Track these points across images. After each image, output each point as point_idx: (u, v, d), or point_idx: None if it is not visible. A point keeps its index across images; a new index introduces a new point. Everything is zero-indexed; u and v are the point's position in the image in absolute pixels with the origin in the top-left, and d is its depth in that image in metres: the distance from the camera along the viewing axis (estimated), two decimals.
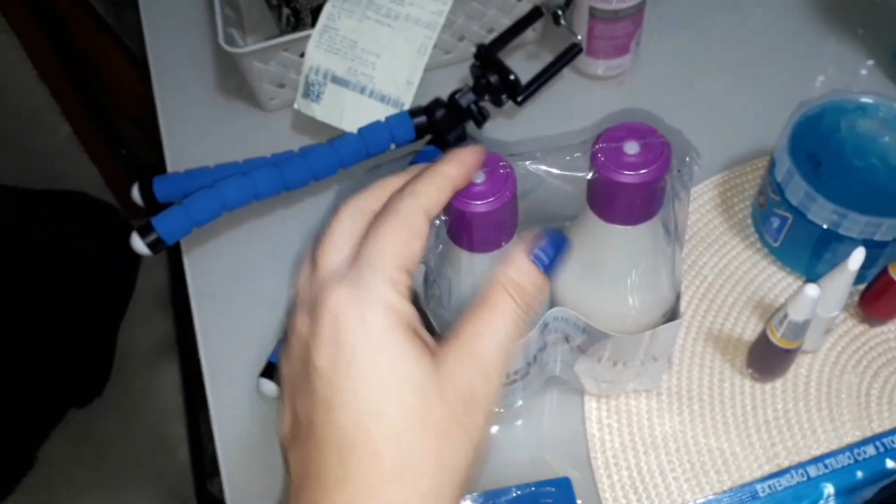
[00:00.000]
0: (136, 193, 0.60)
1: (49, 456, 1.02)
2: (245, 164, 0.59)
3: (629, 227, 0.34)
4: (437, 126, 0.59)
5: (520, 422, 0.48)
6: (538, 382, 0.46)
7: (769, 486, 0.43)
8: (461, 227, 0.34)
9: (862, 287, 0.49)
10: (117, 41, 1.03)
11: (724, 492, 0.43)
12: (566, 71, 0.63)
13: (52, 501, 0.99)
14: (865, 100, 0.49)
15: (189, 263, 0.58)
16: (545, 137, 0.61)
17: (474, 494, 0.44)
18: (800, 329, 0.41)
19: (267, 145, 0.60)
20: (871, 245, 0.45)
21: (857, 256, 0.40)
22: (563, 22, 0.60)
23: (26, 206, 1.07)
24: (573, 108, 0.63)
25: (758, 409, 0.46)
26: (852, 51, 0.64)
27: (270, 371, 0.50)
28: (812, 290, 0.39)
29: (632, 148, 0.32)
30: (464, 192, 0.32)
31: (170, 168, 0.64)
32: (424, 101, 0.59)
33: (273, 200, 0.59)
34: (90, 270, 1.09)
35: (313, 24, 0.60)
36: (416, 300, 0.30)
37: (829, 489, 0.42)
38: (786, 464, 0.44)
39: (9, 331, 1.04)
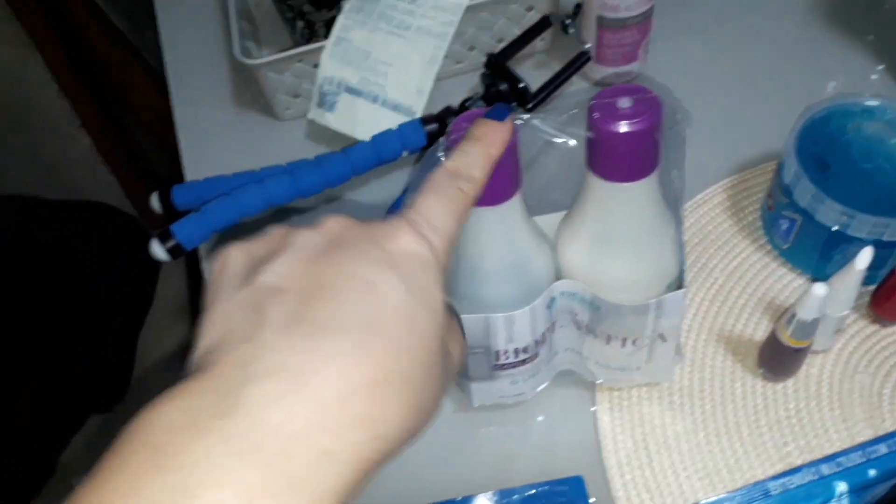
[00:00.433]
0: (154, 201, 0.61)
1: (70, 462, 1.04)
2: (261, 173, 0.60)
3: (628, 185, 0.36)
4: None
5: (532, 421, 0.48)
6: (548, 371, 0.47)
7: (781, 485, 0.43)
8: None
9: (873, 288, 0.49)
10: (137, 56, 1.05)
11: (737, 490, 0.44)
12: (575, 79, 0.64)
13: None
14: (872, 102, 0.49)
15: (208, 269, 0.59)
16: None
17: (488, 493, 0.45)
18: (809, 328, 0.42)
19: (282, 154, 0.61)
20: (880, 246, 0.45)
21: (865, 255, 0.40)
22: (571, 31, 0.62)
23: (48, 216, 1.09)
24: (583, 115, 0.64)
25: (769, 408, 0.47)
26: (862, 56, 0.65)
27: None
28: (820, 289, 0.39)
29: (624, 102, 0.34)
30: None
31: (187, 177, 0.65)
32: (436, 110, 0.60)
33: (289, 207, 0.60)
34: (109, 279, 1.11)
35: (327, 36, 0.62)
36: None
37: (841, 487, 0.43)
38: (798, 462, 0.44)
39: (29, 338, 1.06)
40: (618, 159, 0.35)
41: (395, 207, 0.57)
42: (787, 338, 0.43)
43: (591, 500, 0.45)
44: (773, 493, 0.43)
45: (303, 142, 0.66)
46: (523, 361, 0.44)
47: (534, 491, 0.45)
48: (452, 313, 0.31)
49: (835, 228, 0.46)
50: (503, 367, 0.44)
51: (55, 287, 1.08)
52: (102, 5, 1.00)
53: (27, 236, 1.09)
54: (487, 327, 0.41)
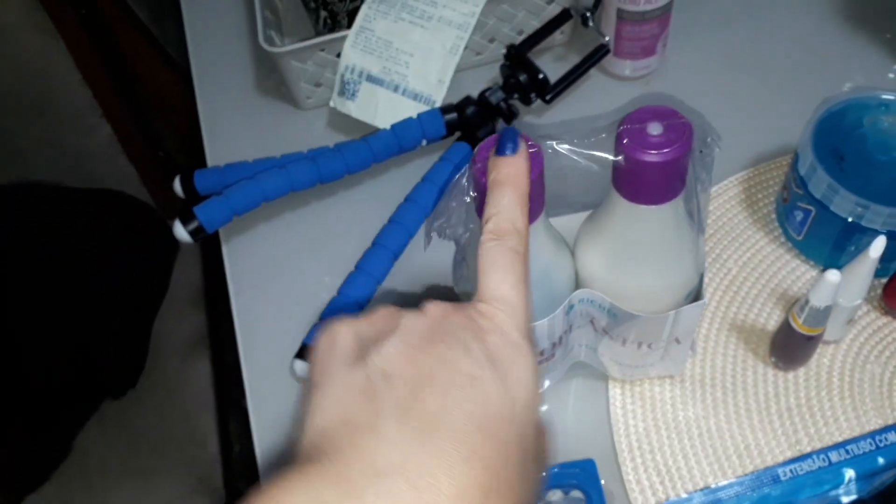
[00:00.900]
0: (177, 186, 0.62)
1: (84, 444, 1.06)
2: (282, 159, 0.61)
3: (653, 207, 0.36)
4: (468, 123, 0.61)
5: (546, 407, 0.49)
6: (563, 366, 0.47)
7: (790, 471, 0.44)
8: None
9: (885, 280, 0.49)
10: (158, 48, 1.07)
11: (746, 475, 0.44)
12: (594, 72, 0.64)
13: (87, 487, 1.03)
14: (888, 96, 0.50)
15: (227, 252, 0.61)
16: (570, 120, 0.63)
17: None
18: (821, 315, 0.42)
19: (303, 143, 0.62)
20: (894, 237, 0.46)
21: (879, 244, 0.41)
22: (591, 24, 0.62)
23: (68, 203, 1.11)
24: (600, 108, 0.65)
25: (780, 396, 0.47)
26: (880, 54, 0.65)
27: (304, 353, 0.52)
28: (833, 275, 0.40)
29: (655, 129, 0.33)
30: None
31: (209, 164, 0.67)
32: (455, 100, 0.61)
33: (308, 194, 0.61)
34: (126, 267, 1.13)
35: (349, 26, 0.63)
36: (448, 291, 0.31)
37: (849, 474, 0.43)
38: (808, 450, 0.45)
39: (48, 324, 1.08)
40: (645, 185, 0.35)
41: (413, 200, 0.58)
42: (799, 325, 0.43)
43: (602, 483, 0.45)
44: (782, 478, 0.44)
45: (323, 131, 0.67)
46: (539, 363, 0.44)
47: (545, 473, 0.46)
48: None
49: (849, 219, 0.47)
50: None
51: (73, 273, 1.10)
52: None
53: (47, 223, 1.11)
54: None
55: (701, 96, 0.64)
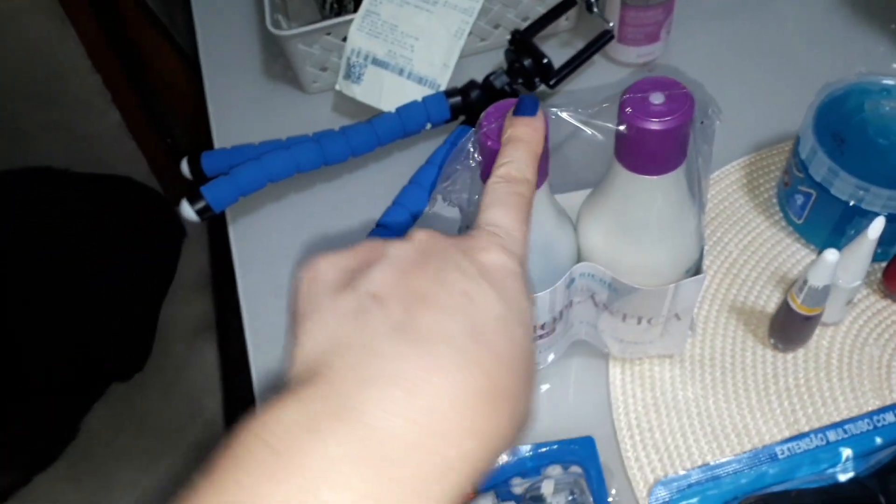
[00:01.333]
0: (185, 167, 0.63)
1: (92, 426, 1.07)
2: (288, 141, 0.62)
3: (655, 178, 0.36)
4: (472, 106, 0.61)
5: (546, 386, 0.50)
6: (564, 342, 0.48)
7: (788, 449, 0.44)
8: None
9: (886, 264, 0.50)
10: (167, 36, 1.08)
11: (744, 453, 0.45)
12: (598, 58, 0.65)
13: (93, 468, 1.04)
14: (890, 81, 0.50)
15: (234, 233, 0.61)
16: (575, 91, 0.63)
17: None
18: (820, 295, 0.43)
19: (309, 127, 0.63)
20: (893, 220, 0.46)
21: (877, 225, 0.41)
22: (595, 10, 0.63)
23: (76, 189, 1.12)
24: (613, 109, 0.65)
25: (779, 377, 0.47)
26: (885, 45, 0.65)
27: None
28: (831, 254, 0.40)
29: (657, 98, 0.34)
30: (499, 134, 0.34)
31: (216, 147, 0.67)
32: (460, 84, 0.62)
33: (313, 177, 0.62)
34: (134, 252, 1.14)
35: (355, 10, 0.63)
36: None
37: (847, 453, 0.43)
38: (806, 430, 0.45)
39: (56, 308, 1.09)
40: (647, 154, 0.35)
41: (417, 182, 0.59)
42: (798, 305, 0.44)
43: (600, 459, 0.46)
44: (779, 457, 0.44)
45: (329, 114, 0.67)
46: (540, 336, 0.45)
47: (545, 449, 0.46)
48: None
49: (849, 203, 0.47)
50: None
51: (81, 258, 1.11)
52: None
53: (56, 208, 1.12)
54: None
55: (704, 82, 0.64)
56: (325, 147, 0.59)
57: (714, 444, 0.46)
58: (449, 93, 0.61)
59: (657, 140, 0.34)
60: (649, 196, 0.37)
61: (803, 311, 0.44)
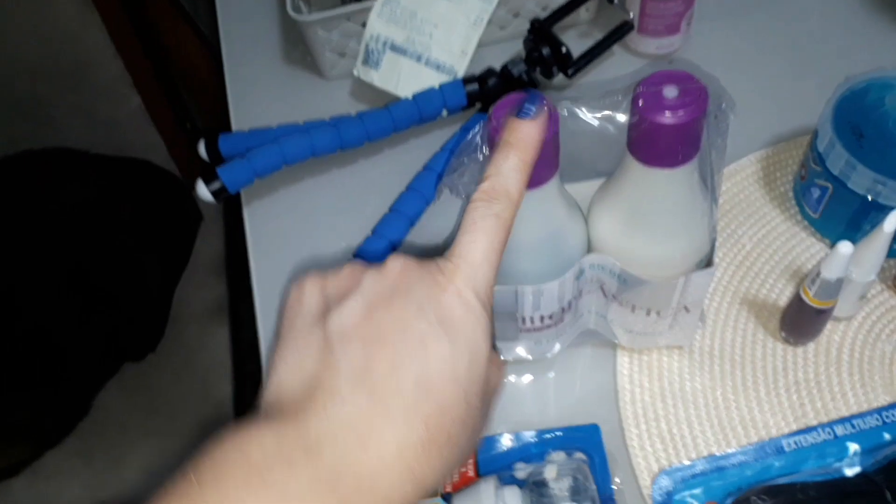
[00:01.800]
0: (202, 148, 0.63)
1: (104, 404, 1.09)
2: (305, 125, 0.62)
3: (667, 171, 0.36)
4: (489, 94, 0.61)
5: (553, 373, 0.50)
6: (573, 331, 0.48)
7: (795, 442, 0.44)
8: None
9: None
10: (190, 22, 1.09)
11: (751, 445, 0.44)
12: (617, 48, 0.65)
13: (104, 445, 1.06)
14: None
15: (248, 216, 0.62)
16: (587, 83, 0.63)
17: (507, 434, 0.46)
18: (832, 288, 0.42)
19: (327, 112, 0.63)
20: None
21: (893, 219, 0.41)
22: (615, 0, 0.62)
23: (96, 170, 1.13)
24: (626, 102, 0.65)
25: (788, 370, 0.47)
26: None
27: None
28: (845, 247, 0.40)
29: (671, 91, 0.34)
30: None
31: (234, 130, 0.68)
32: (478, 72, 0.62)
33: (329, 161, 0.62)
34: (150, 234, 1.15)
35: None
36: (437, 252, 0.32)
37: (854, 447, 0.43)
38: (814, 424, 0.45)
39: (70, 287, 1.10)
40: (660, 147, 0.35)
41: (431, 168, 0.59)
42: (810, 298, 0.43)
43: (605, 448, 0.46)
44: (786, 449, 0.44)
45: (347, 100, 0.67)
46: (548, 326, 0.45)
47: (550, 436, 0.46)
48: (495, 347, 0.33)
49: (866, 197, 0.47)
50: (528, 330, 0.45)
51: (99, 237, 1.12)
52: None
53: (75, 189, 1.13)
54: (516, 298, 0.42)
55: (724, 75, 0.62)
56: (342, 131, 0.59)
57: (720, 436, 0.45)
58: (466, 80, 0.61)
59: (670, 133, 0.34)
60: (661, 189, 0.37)
61: (815, 304, 0.44)
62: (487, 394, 0.30)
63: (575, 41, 0.67)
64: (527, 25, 0.62)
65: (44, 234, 1.10)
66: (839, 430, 0.44)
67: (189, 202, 1.19)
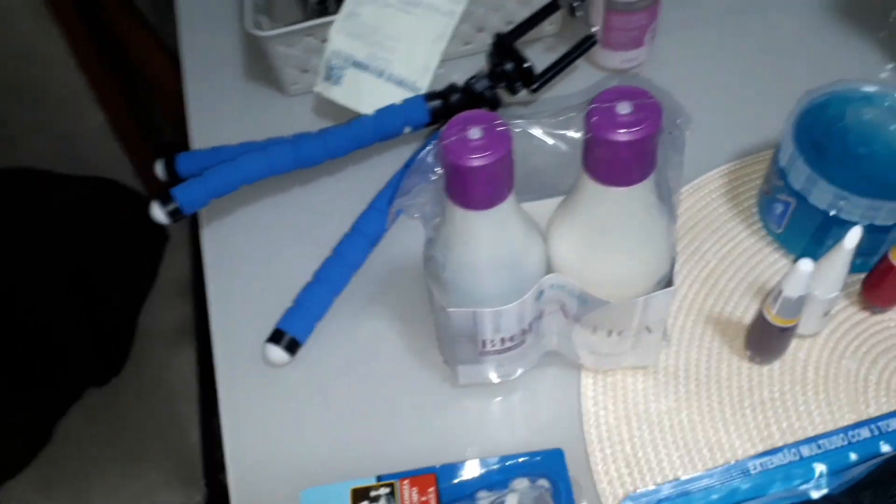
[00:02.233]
0: (159, 169, 0.62)
1: (66, 431, 1.05)
2: (265, 143, 0.61)
3: (623, 189, 0.35)
4: (452, 110, 0.60)
5: (517, 395, 0.49)
6: (535, 353, 0.47)
7: (760, 464, 0.43)
8: (458, 183, 0.35)
9: (865, 275, 0.49)
10: (154, 35, 1.07)
11: (716, 468, 0.43)
12: (581, 63, 0.64)
13: (68, 474, 1.02)
14: (870, 89, 0.49)
15: (207, 236, 0.60)
16: (541, 100, 0.62)
17: (470, 461, 0.45)
18: (794, 306, 0.42)
19: (288, 129, 0.62)
20: (872, 230, 0.45)
21: (854, 235, 0.40)
22: (580, 13, 0.62)
23: (58, 190, 1.11)
24: (580, 119, 0.64)
25: (754, 390, 0.46)
26: (873, 53, 0.65)
27: (277, 337, 0.52)
28: (806, 264, 0.39)
29: (624, 108, 0.33)
30: (459, 148, 0.33)
31: (194, 148, 0.66)
32: (441, 88, 0.61)
33: (290, 179, 0.61)
34: (115, 255, 1.13)
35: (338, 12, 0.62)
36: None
37: (820, 469, 0.42)
38: (779, 444, 0.44)
39: (33, 311, 1.07)
40: (615, 165, 0.35)
41: (384, 197, 0.58)
42: (773, 316, 0.43)
43: (569, 474, 0.45)
44: (752, 472, 0.43)
45: (309, 117, 0.66)
46: (509, 349, 0.44)
47: (512, 462, 0.45)
48: None
49: (828, 212, 0.46)
50: (489, 353, 0.44)
51: (61, 260, 1.10)
52: None
53: (37, 209, 1.10)
54: (475, 320, 0.41)
55: (688, 90, 0.63)
56: (301, 149, 0.58)
57: (686, 458, 0.44)
58: (429, 96, 0.60)
59: (624, 151, 0.33)
60: (617, 207, 0.36)
61: (778, 323, 0.43)
62: None
63: (540, 55, 0.67)
64: (491, 40, 0.61)
65: (2, 254, 1.07)
66: (805, 451, 0.43)
67: (154, 222, 1.17)
